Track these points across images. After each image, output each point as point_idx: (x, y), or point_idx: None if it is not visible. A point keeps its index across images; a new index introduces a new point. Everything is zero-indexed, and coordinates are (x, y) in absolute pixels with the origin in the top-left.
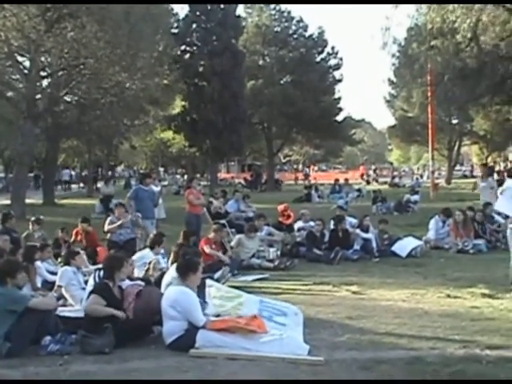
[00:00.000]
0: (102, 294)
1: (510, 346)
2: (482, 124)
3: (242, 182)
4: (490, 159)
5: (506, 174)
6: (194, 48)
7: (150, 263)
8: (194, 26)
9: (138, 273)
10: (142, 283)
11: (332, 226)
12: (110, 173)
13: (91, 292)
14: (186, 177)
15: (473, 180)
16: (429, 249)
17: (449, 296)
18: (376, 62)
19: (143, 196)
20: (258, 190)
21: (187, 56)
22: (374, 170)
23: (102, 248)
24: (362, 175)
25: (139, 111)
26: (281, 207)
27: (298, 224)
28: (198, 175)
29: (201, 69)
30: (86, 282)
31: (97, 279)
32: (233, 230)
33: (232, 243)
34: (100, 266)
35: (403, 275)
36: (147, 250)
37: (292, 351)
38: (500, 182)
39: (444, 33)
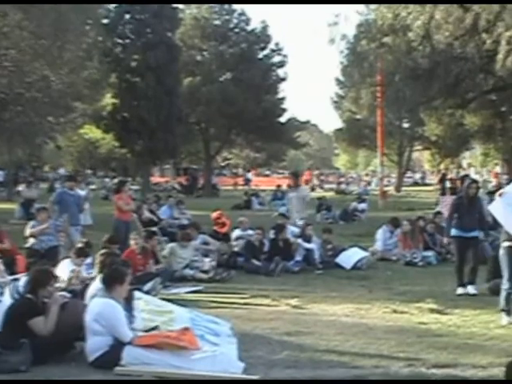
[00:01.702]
0: (32, 312)
1: (457, 364)
2: (434, 128)
3: (177, 186)
4: (442, 166)
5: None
6: (127, 41)
7: (72, 272)
8: (127, 16)
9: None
10: (68, 295)
11: (272, 235)
12: (32, 175)
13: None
14: (115, 180)
15: (426, 188)
16: (375, 260)
17: (395, 311)
18: (323, 60)
19: (68, 200)
20: (193, 196)
21: (119, 49)
22: (319, 176)
23: (21, 256)
24: (306, 181)
25: (65, 108)
26: (214, 215)
27: (236, 232)
28: (130, 179)
29: (134, 63)
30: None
31: (15, 294)
32: (165, 238)
33: (164, 252)
34: (18, 276)
35: (347, 288)
36: (68, 260)
37: (225, 369)
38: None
39: (395, 30)
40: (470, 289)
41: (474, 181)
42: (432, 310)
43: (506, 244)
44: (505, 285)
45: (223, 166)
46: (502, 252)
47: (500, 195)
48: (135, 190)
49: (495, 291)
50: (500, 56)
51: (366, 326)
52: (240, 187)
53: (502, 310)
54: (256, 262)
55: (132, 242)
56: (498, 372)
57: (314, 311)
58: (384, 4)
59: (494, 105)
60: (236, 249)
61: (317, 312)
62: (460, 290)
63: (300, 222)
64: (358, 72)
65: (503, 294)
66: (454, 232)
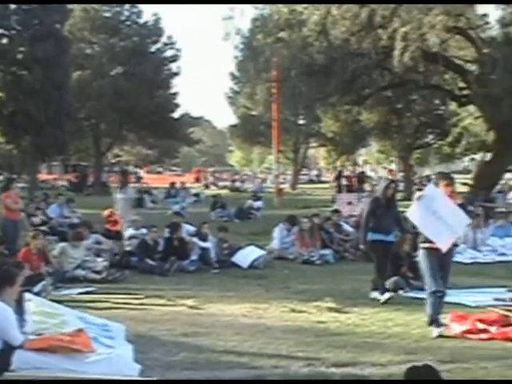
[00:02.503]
0: None
1: (357, 362)
2: (330, 125)
3: (66, 184)
4: (338, 163)
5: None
6: (13, 32)
7: None
8: (13, 7)
9: None
10: None
11: (167, 234)
12: None
13: None
14: (1, 177)
15: (322, 185)
16: (272, 259)
17: (293, 310)
18: (218, 54)
19: None
20: (83, 194)
21: (4, 41)
22: (213, 173)
23: None
24: (196, 179)
25: None
26: (106, 212)
27: (129, 231)
28: (15, 176)
29: (20, 56)
30: None
31: None
32: (55, 237)
33: (54, 252)
34: None
35: (244, 288)
36: None
37: (121, 371)
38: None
39: (291, 25)
40: (387, 295)
41: (392, 181)
42: (330, 309)
43: (426, 245)
44: (429, 288)
45: (114, 163)
46: (420, 253)
47: (418, 199)
48: (21, 188)
49: (395, 289)
50: (396, 52)
51: (264, 326)
52: (131, 185)
53: (431, 322)
54: (150, 262)
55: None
56: (397, 370)
57: (210, 311)
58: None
59: (390, 101)
60: (129, 248)
61: (214, 312)
62: (381, 296)
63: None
64: (253, 67)
65: (429, 300)
66: (372, 236)
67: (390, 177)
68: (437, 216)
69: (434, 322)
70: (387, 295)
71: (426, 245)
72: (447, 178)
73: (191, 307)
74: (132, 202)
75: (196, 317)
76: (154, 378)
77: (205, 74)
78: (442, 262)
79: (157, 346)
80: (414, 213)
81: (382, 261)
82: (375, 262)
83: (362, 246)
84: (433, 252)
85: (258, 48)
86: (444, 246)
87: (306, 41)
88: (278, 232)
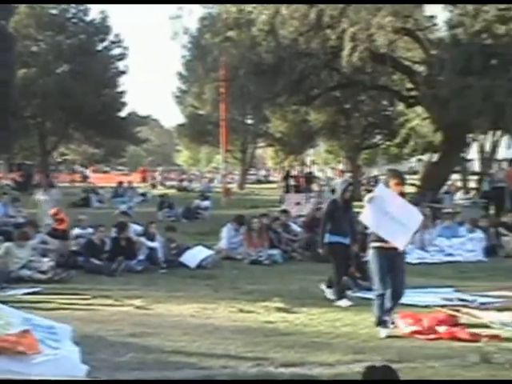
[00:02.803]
0: None
1: (305, 362)
2: (278, 125)
3: (11, 183)
4: (286, 163)
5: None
6: None
7: None
8: None
9: None
10: None
11: (114, 234)
12: None
13: None
14: None
15: (270, 185)
16: (220, 259)
17: (241, 310)
18: (165, 53)
19: None
20: (28, 193)
21: None
22: (161, 173)
23: None
24: (142, 178)
25: None
26: (52, 211)
27: (75, 231)
28: None
29: None
30: None
31: None
32: (0, 237)
33: None
34: None
35: (192, 288)
36: None
37: (68, 372)
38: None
39: (240, 24)
40: (344, 302)
41: (350, 183)
42: (279, 309)
43: (376, 245)
44: (377, 290)
45: (60, 162)
46: (371, 254)
47: (369, 201)
48: None
49: (343, 290)
50: (345, 52)
51: (213, 326)
52: (77, 184)
53: (379, 323)
54: (97, 262)
55: None
56: (346, 370)
57: (158, 311)
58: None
59: (339, 102)
60: (76, 248)
61: (162, 312)
62: (342, 303)
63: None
64: (201, 66)
65: (377, 301)
66: (330, 238)
67: (337, 176)
68: (390, 216)
69: (382, 322)
70: (345, 303)
71: (377, 244)
72: (397, 177)
73: (139, 307)
74: (55, 203)
75: (144, 317)
76: (102, 379)
77: (152, 72)
78: (393, 262)
79: (104, 346)
80: (366, 216)
81: (341, 264)
82: (334, 265)
83: (320, 250)
84: (383, 252)
85: (206, 47)
86: (401, 246)
87: (255, 40)
88: (225, 232)
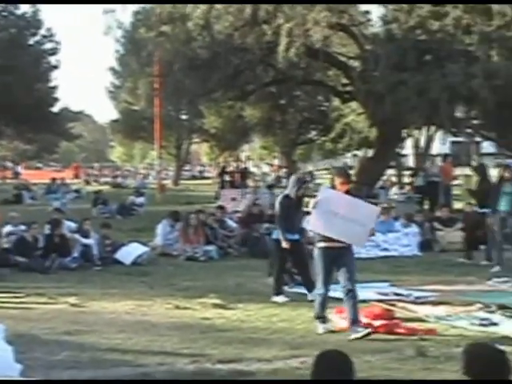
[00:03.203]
0: None
1: (242, 358)
2: (213, 121)
3: None
4: (221, 159)
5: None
6: None
7: None
8: None
9: None
10: None
11: (47, 231)
12: None
13: None
14: None
15: (205, 181)
16: (156, 256)
17: (178, 307)
18: (98, 48)
19: None
20: None
21: None
22: (96, 169)
23: None
24: (75, 175)
25: None
26: None
27: (7, 228)
28: None
29: None
30: None
31: None
32: None
33: None
34: None
35: (128, 285)
36: None
37: (2, 372)
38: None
39: (174, 19)
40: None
41: (306, 181)
42: (215, 305)
43: (322, 245)
44: (320, 289)
45: None
46: (316, 253)
47: (314, 207)
48: None
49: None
50: (281, 48)
51: (149, 323)
52: (9, 181)
53: (318, 318)
54: (30, 259)
55: None
56: (283, 365)
57: (93, 309)
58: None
59: (274, 97)
60: (7, 245)
61: (97, 310)
62: (279, 299)
63: None
64: (135, 61)
65: (319, 299)
66: (286, 236)
67: (272, 172)
68: (340, 217)
69: (321, 318)
70: (281, 299)
71: (322, 244)
72: (342, 176)
73: (73, 305)
74: None
75: (78, 315)
76: (36, 378)
77: (85, 67)
78: (341, 260)
79: (38, 345)
80: (314, 223)
81: (285, 260)
82: (277, 262)
83: (285, 245)
84: (330, 251)
85: (140, 42)
86: (360, 244)
87: (190, 35)
88: (161, 228)
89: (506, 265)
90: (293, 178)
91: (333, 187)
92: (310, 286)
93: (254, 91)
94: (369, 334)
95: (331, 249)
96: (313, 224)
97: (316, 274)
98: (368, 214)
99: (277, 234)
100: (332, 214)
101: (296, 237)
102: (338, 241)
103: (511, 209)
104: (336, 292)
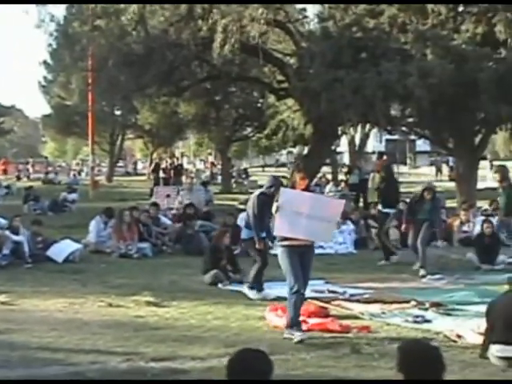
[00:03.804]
0: None
1: (176, 356)
2: (147, 117)
3: None
4: (155, 155)
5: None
6: None
7: None
8: None
9: None
10: None
11: None
12: None
13: None
14: None
15: (139, 178)
16: (89, 253)
17: (111, 305)
18: (30, 41)
19: None
20: None
21: None
22: (33, 165)
23: None
24: (4, 171)
25: None
26: None
27: None
28: None
29: None
30: None
31: None
32: None
33: None
34: None
35: (60, 283)
36: None
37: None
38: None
39: (109, 13)
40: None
41: (281, 182)
42: (149, 303)
43: (285, 243)
44: (293, 287)
45: None
46: (280, 252)
47: (276, 211)
48: None
49: (215, 282)
50: (216, 44)
51: (81, 321)
52: None
53: (292, 326)
54: None
55: None
56: (217, 363)
57: (24, 307)
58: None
59: (209, 93)
60: None
61: (27, 308)
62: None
63: None
64: (68, 55)
65: (293, 299)
66: (250, 234)
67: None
68: (304, 216)
69: (296, 325)
70: (254, 295)
71: (286, 242)
72: (302, 171)
73: (3, 303)
74: None
75: (9, 313)
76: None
77: (16, 61)
78: (302, 259)
79: None
80: (279, 227)
81: (265, 257)
82: (257, 259)
83: (259, 245)
84: (294, 249)
85: (73, 36)
86: (326, 240)
87: (124, 30)
88: (94, 225)
89: (440, 262)
90: (270, 178)
91: (293, 183)
92: (260, 286)
93: (189, 87)
94: (301, 341)
95: (296, 247)
96: (278, 228)
97: (286, 273)
98: (332, 208)
99: (249, 233)
100: (296, 214)
101: (263, 235)
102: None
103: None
104: (271, 289)
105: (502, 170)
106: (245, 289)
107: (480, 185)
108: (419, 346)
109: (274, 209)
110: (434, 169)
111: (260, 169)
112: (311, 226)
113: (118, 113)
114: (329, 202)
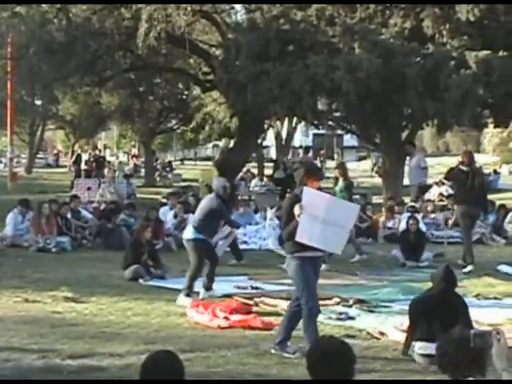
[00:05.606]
0: None
1: (94, 353)
2: (69, 107)
3: None
4: (76, 146)
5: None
6: None
7: None
8: None
9: None
10: None
11: None
12: None
13: None
14: None
15: (60, 170)
16: (5, 247)
17: (27, 300)
18: None
19: None
20: None
21: None
22: None
23: None
24: None
25: None
26: None
27: None
28: None
29: None
30: None
31: None
32: None
33: None
34: None
35: None
36: None
37: None
38: (88, 173)
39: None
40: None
41: (233, 185)
42: (67, 299)
43: (299, 255)
44: (307, 302)
45: None
46: (295, 264)
47: (300, 213)
48: None
49: (135, 278)
50: (140, 32)
51: None
52: None
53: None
54: None
55: None
56: (136, 360)
57: None
58: None
59: (133, 84)
60: None
61: None
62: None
63: None
64: None
65: (309, 314)
66: (198, 235)
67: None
68: (320, 220)
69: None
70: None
71: (301, 254)
72: (314, 173)
73: None
74: None
75: None
76: None
77: None
78: (314, 270)
79: None
80: (302, 232)
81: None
82: (196, 262)
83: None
84: (310, 260)
85: None
86: (338, 250)
87: (46, 17)
88: (11, 218)
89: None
90: (220, 180)
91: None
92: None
93: (113, 77)
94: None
95: (311, 258)
96: (299, 234)
97: (300, 287)
98: (347, 213)
99: (197, 234)
100: (314, 218)
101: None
102: (318, 249)
103: None
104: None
105: (342, 167)
106: (181, 297)
107: (406, 181)
108: (323, 340)
109: (296, 210)
110: (361, 164)
111: (179, 162)
112: (325, 232)
113: (38, 102)
114: (345, 206)
